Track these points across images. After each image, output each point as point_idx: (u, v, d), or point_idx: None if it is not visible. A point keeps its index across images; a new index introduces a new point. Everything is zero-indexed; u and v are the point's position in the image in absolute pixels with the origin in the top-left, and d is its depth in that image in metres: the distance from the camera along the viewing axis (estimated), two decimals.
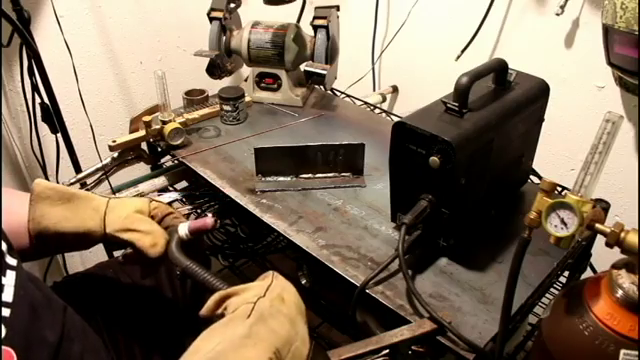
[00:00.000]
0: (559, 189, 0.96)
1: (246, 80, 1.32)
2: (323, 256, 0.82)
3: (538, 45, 1.15)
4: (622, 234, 0.54)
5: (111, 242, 0.73)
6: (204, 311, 0.59)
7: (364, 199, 0.95)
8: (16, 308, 0.51)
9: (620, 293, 0.56)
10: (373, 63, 1.48)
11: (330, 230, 0.87)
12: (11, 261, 0.54)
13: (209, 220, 0.73)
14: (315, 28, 1.19)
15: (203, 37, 1.24)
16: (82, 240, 0.71)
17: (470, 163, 0.73)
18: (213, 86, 1.29)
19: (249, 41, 1.23)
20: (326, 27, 1.18)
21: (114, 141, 1.08)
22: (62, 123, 1.35)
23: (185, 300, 0.89)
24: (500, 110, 0.79)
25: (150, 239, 0.70)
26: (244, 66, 1.34)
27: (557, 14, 1.03)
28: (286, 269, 1.10)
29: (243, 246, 1.16)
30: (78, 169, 1.42)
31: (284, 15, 1.27)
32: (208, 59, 1.23)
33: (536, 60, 1.11)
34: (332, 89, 1.36)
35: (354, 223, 0.89)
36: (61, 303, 0.62)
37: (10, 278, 0.52)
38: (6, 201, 0.69)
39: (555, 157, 1.20)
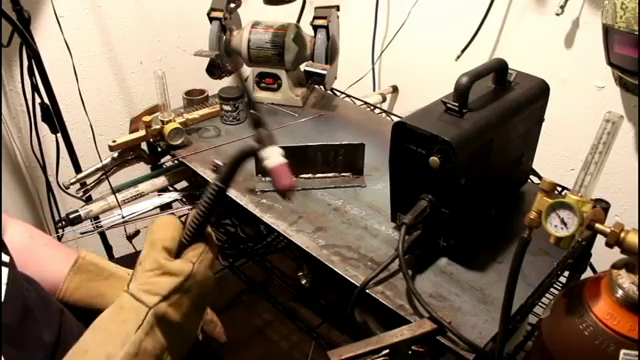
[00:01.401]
0: (559, 189, 0.96)
1: (246, 80, 1.32)
2: (323, 256, 0.82)
3: (538, 45, 1.15)
4: (622, 234, 0.54)
5: None
6: None
7: (364, 199, 0.95)
8: (8, 307, 0.50)
9: (620, 293, 0.56)
10: (373, 63, 1.48)
11: (330, 230, 0.87)
12: (4, 257, 0.54)
13: None
14: (315, 28, 1.19)
15: (203, 37, 1.24)
16: None
17: (470, 163, 0.73)
18: (213, 86, 1.29)
19: (249, 41, 1.23)
20: (326, 27, 1.18)
21: (114, 141, 1.08)
22: (62, 123, 1.35)
23: None
24: (500, 110, 0.79)
25: None
26: (244, 66, 1.34)
27: (557, 14, 1.03)
28: (286, 269, 1.11)
29: (243, 246, 1.16)
30: (78, 169, 1.42)
31: (284, 15, 1.27)
32: (208, 59, 1.23)
33: (536, 60, 1.11)
34: (332, 89, 1.36)
35: (354, 223, 0.89)
36: (58, 305, 0.62)
37: (3, 275, 0.52)
38: (51, 252, 0.71)
39: (555, 157, 1.20)
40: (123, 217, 1.04)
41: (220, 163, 0.58)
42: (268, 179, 0.99)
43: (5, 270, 0.53)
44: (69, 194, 1.12)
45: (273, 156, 0.58)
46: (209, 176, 1.01)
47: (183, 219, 0.60)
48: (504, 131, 0.79)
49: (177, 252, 0.58)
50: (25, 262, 0.67)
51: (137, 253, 0.81)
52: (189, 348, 0.58)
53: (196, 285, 0.56)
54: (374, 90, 1.51)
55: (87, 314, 0.65)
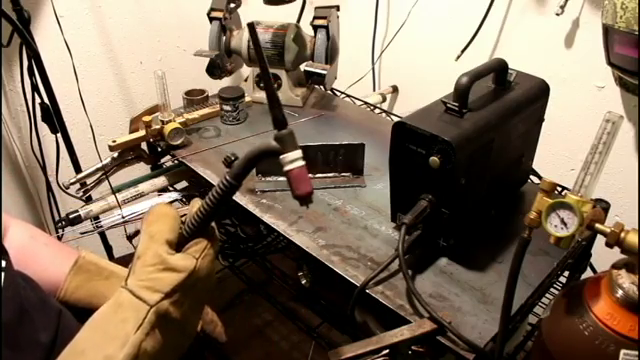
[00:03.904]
0: (559, 189, 0.96)
1: (246, 80, 1.32)
2: (323, 256, 0.82)
3: (538, 45, 1.15)
4: (622, 234, 0.54)
5: None
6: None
7: (364, 199, 0.95)
8: (4, 309, 0.50)
9: (620, 293, 0.56)
10: (373, 63, 1.48)
11: (330, 230, 0.87)
12: (2, 263, 0.54)
13: None
14: (315, 28, 1.19)
15: (203, 37, 1.24)
16: None
17: (470, 163, 0.73)
18: (213, 86, 1.29)
19: (249, 41, 1.23)
20: (326, 27, 1.18)
21: (114, 141, 1.08)
22: (62, 123, 1.35)
23: None
24: (500, 110, 0.79)
25: None
26: (244, 66, 1.34)
27: (557, 14, 1.03)
28: (286, 269, 1.11)
29: (243, 246, 1.16)
30: (78, 169, 1.42)
31: (284, 15, 1.27)
32: (208, 59, 1.23)
33: (536, 60, 1.11)
34: (332, 89, 1.36)
35: (354, 223, 0.89)
36: (56, 306, 0.61)
37: (0, 280, 0.51)
38: (51, 252, 0.71)
39: (555, 157, 1.20)
40: (123, 217, 1.04)
41: (235, 157, 0.55)
42: (269, 179, 0.99)
43: (2, 275, 0.52)
44: (69, 194, 1.12)
45: (293, 159, 0.55)
46: (209, 176, 1.01)
47: (181, 213, 0.58)
48: (504, 131, 0.79)
49: (177, 245, 0.56)
50: (25, 262, 0.67)
51: None
52: (187, 347, 0.57)
53: (199, 282, 0.54)
54: (374, 90, 1.51)
55: (87, 314, 0.65)
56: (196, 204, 0.58)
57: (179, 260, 0.53)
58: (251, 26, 0.53)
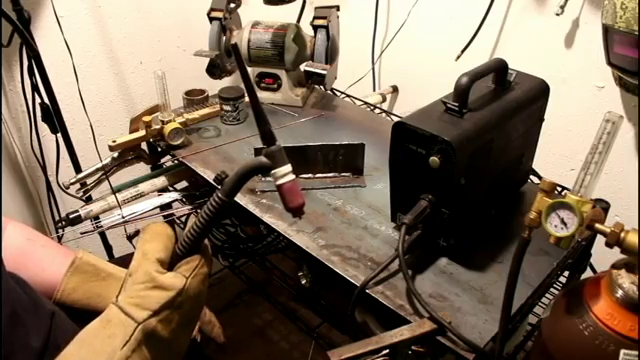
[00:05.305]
0: (559, 189, 0.96)
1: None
2: (323, 256, 0.82)
3: (538, 45, 1.15)
4: (622, 234, 0.54)
5: None
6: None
7: (364, 199, 0.95)
8: None
9: (620, 293, 0.56)
10: (373, 63, 1.48)
11: (330, 230, 0.87)
12: None
13: None
14: (315, 28, 1.19)
15: (203, 37, 1.24)
16: None
17: (470, 163, 0.73)
18: (213, 86, 1.29)
19: (249, 41, 1.23)
20: (326, 27, 1.18)
21: (114, 141, 1.08)
22: (62, 123, 1.35)
23: None
24: (500, 110, 0.79)
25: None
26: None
27: (557, 14, 1.03)
28: (286, 269, 1.11)
29: (243, 246, 1.16)
30: (78, 169, 1.43)
31: (284, 15, 1.27)
32: (208, 59, 1.23)
33: (536, 60, 1.11)
34: (332, 89, 1.36)
35: (354, 223, 0.89)
36: (49, 308, 0.61)
37: None
38: (49, 253, 0.70)
39: (555, 157, 1.20)
40: (123, 217, 1.04)
41: (225, 175, 0.56)
42: (269, 179, 0.99)
43: None
44: (69, 194, 1.12)
45: (284, 174, 0.56)
46: (209, 176, 1.01)
47: (180, 226, 0.58)
48: (504, 131, 0.79)
49: (170, 262, 0.56)
50: (23, 263, 0.67)
51: None
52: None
53: (188, 301, 0.54)
54: (374, 90, 1.51)
55: (85, 315, 0.64)
56: (192, 220, 0.59)
57: (168, 278, 0.53)
58: (235, 47, 0.56)
